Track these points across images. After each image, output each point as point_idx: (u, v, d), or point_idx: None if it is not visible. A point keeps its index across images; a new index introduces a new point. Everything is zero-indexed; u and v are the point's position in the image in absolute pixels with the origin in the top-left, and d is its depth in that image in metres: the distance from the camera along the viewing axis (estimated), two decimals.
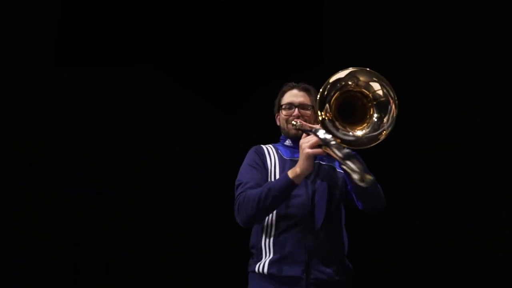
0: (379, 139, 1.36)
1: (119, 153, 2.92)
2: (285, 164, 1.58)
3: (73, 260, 2.84)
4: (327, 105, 1.37)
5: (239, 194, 1.54)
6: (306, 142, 1.40)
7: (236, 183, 1.59)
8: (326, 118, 1.37)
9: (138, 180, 2.91)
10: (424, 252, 2.80)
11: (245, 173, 1.62)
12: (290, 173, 1.44)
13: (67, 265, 2.83)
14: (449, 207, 2.83)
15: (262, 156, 1.67)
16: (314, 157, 1.42)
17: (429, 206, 2.82)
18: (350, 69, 1.37)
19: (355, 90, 1.40)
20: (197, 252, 2.80)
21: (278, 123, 1.79)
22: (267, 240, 1.57)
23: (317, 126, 1.44)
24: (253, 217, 1.50)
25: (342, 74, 1.37)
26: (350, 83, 1.38)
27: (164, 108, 2.95)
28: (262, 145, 1.73)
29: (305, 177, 1.49)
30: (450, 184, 2.82)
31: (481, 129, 2.82)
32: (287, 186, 1.44)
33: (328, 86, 1.37)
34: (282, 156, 1.67)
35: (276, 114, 1.79)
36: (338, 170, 1.65)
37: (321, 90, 1.37)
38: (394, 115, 1.36)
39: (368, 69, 1.39)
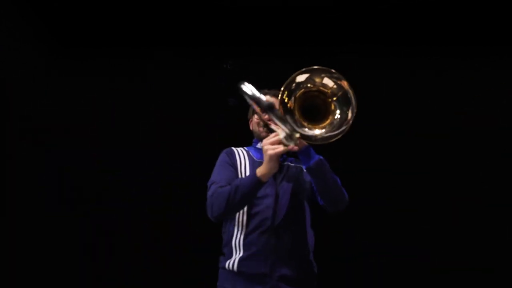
0: (333, 139, 1.40)
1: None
2: (255, 166, 1.60)
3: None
4: (290, 103, 1.41)
5: (211, 192, 1.61)
6: (268, 142, 1.44)
7: (208, 183, 1.66)
8: (290, 114, 1.41)
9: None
10: (392, 252, 2.82)
11: (217, 174, 1.70)
12: (258, 172, 1.48)
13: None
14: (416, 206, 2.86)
15: (232, 157, 1.75)
16: (278, 156, 1.43)
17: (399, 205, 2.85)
18: (307, 73, 1.40)
19: (314, 89, 1.44)
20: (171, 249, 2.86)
21: (251, 128, 1.88)
22: (238, 239, 1.64)
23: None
24: (223, 214, 1.58)
25: (302, 77, 1.40)
26: (309, 85, 1.42)
27: None
28: (233, 148, 1.80)
29: (273, 176, 1.56)
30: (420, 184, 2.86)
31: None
32: (254, 184, 1.49)
33: (293, 85, 1.41)
34: (253, 158, 1.74)
35: (250, 120, 1.88)
36: (305, 171, 1.69)
37: (283, 88, 1.40)
38: (354, 103, 1.38)
39: (316, 67, 1.41)
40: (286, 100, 1.40)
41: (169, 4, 2.85)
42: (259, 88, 1.80)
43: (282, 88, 1.41)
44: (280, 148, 1.40)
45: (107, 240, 2.87)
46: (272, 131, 1.59)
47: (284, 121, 1.31)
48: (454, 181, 2.87)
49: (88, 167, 2.90)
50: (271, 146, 1.42)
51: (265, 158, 1.45)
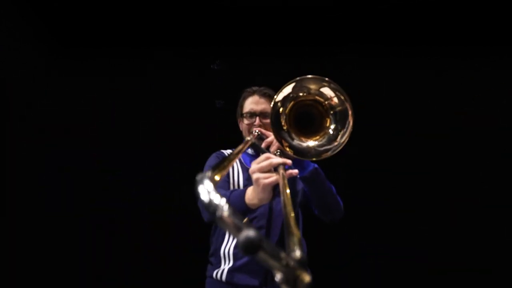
0: (326, 155, 1.31)
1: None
2: (248, 173, 1.45)
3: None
4: (282, 116, 1.33)
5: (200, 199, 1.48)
6: (257, 168, 1.18)
7: None
8: (284, 129, 1.33)
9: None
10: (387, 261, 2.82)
11: None
12: (248, 199, 1.28)
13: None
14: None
15: None
16: (271, 186, 1.19)
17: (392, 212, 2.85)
18: (297, 79, 1.32)
19: (308, 99, 1.34)
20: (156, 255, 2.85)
21: (240, 128, 1.77)
22: (227, 247, 1.56)
23: (273, 137, 1.39)
24: (213, 222, 1.47)
25: (289, 87, 1.32)
26: (301, 94, 1.33)
27: None
28: (223, 151, 1.71)
29: None
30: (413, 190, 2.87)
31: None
32: (243, 211, 1.31)
33: (279, 103, 1.32)
34: (244, 165, 1.65)
35: (239, 120, 1.78)
36: (299, 177, 1.63)
37: (273, 102, 1.32)
38: (350, 126, 1.31)
39: (310, 76, 1.33)
40: (279, 106, 1.32)
41: (169, 4, 2.85)
42: (255, 86, 1.76)
43: (275, 97, 1.32)
44: (274, 177, 1.16)
45: (107, 240, 2.87)
46: (263, 139, 1.47)
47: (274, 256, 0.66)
48: (454, 181, 2.87)
49: (88, 167, 2.90)
50: (262, 174, 1.16)
51: (256, 189, 1.19)
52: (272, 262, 0.62)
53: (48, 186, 2.82)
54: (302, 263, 0.63)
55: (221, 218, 0.66)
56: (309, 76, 1.32)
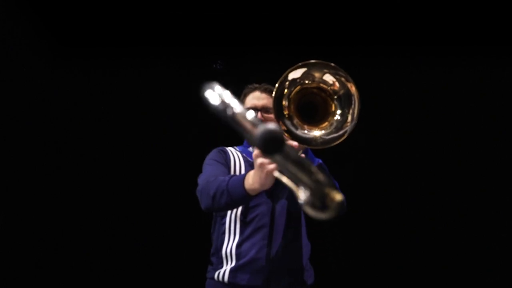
0: (335, 143, 1.25)
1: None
2: (252, 167, 1.38)
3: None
4: (285, 102, 1.27)
5: (200, 187, 1.46)
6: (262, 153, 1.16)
7: (199, 179, 1.53)
8: (285, 115, 1.27)
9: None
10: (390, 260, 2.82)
11: (208, 170, 1.54)
12: (247, 184, 1.24)
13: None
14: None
15: (226, 156, 1.62)
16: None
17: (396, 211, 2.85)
18: (303, 68, 1.27)
19: (313, 86, 1.29)
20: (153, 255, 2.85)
21: None
22: (229, 247, 1.52)
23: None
24: (210, 209, 1.42)
25: (297, 73, 1.26)
26: (307, 81, 1.28)
27: None
28: (225, 147, 1.68)
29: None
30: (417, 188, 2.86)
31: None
32: (242, 197, 1.28)
33: (287, 83, 1.26)
34: (247, 159, 1.60)
35: None
36: None
37: (277, 86, 1.26)
38: (357, 104, 1.25)
39: (314, 61, 1.28)
40: (284, 93, 1.26)
41: (169, 4, 2.84)
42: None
43: (276, 85, 1.26)
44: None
45: (107, 240, 2.87)
46: None
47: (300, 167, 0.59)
48: (454, 181, 2.87)
49: (88, 167, 2.90)
50: (266, 160, 1.09)
51: (259, 174, 1.15)
52: (299, 174, 0.50)
53: (48, 186, 2.82)
54: (331, 182, 0.53)
55: (233, 116, 0.59)
56: (313, 61, 1.27)
